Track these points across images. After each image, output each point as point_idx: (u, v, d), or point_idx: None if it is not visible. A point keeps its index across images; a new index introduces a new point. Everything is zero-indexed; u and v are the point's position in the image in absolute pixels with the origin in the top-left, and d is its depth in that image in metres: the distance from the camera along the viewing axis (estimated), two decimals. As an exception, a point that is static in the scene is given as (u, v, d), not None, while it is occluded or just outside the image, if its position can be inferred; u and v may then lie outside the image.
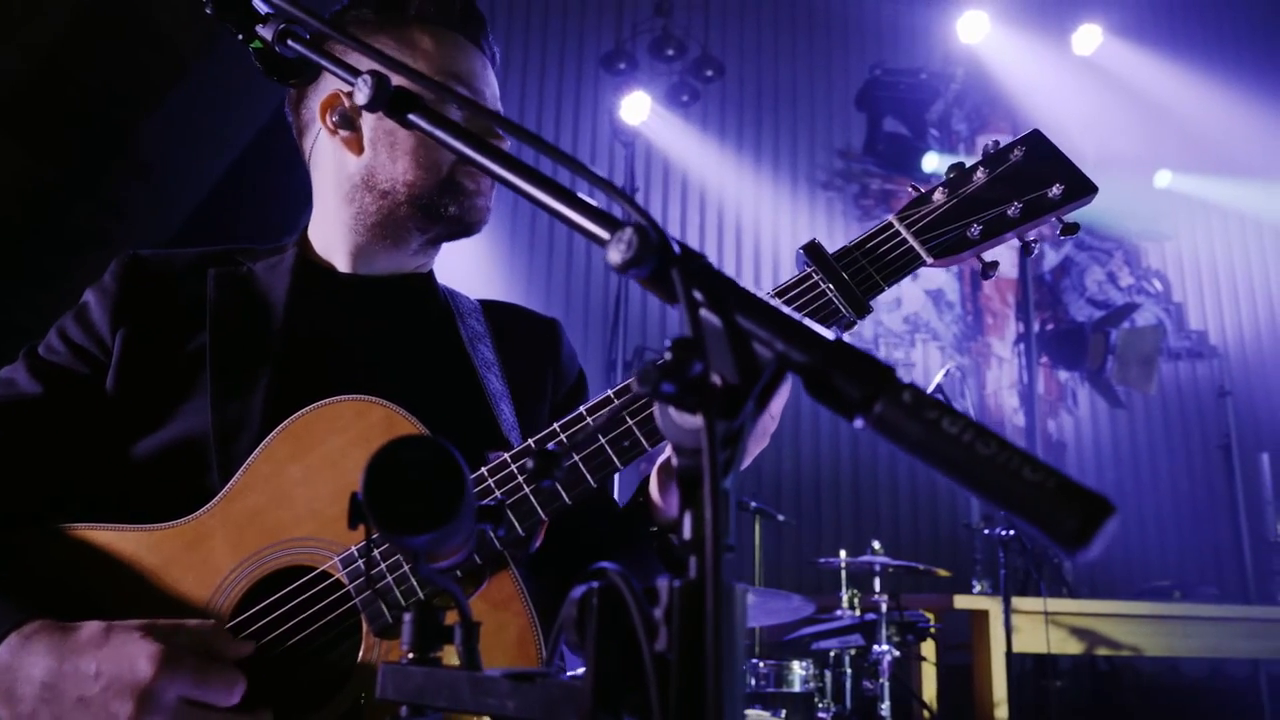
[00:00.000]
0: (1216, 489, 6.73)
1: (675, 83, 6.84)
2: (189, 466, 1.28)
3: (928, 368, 6.96)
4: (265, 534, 1.20)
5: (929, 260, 1.21)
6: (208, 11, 0.98)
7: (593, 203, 0.71)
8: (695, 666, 0.54)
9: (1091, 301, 7.42)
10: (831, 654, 4.36)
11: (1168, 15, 7.51)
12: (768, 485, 6.46)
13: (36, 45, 4.37)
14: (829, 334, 0.59)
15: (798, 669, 4.03)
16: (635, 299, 6.25)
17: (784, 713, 3.84)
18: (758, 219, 7.03)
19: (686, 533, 0.57)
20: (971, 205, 1.21)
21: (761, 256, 7.00)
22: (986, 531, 4.82)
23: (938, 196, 1.23)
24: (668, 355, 0.57)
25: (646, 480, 1.32)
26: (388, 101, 0.84)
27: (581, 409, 1.22)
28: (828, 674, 4.28)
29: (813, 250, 1.21)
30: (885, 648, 4.16)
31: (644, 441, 1.17)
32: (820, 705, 4.11)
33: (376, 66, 0.86)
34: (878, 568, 4.40)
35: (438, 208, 1.41)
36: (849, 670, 4.34)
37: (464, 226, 1.45)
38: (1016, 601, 4.50)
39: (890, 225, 1.23)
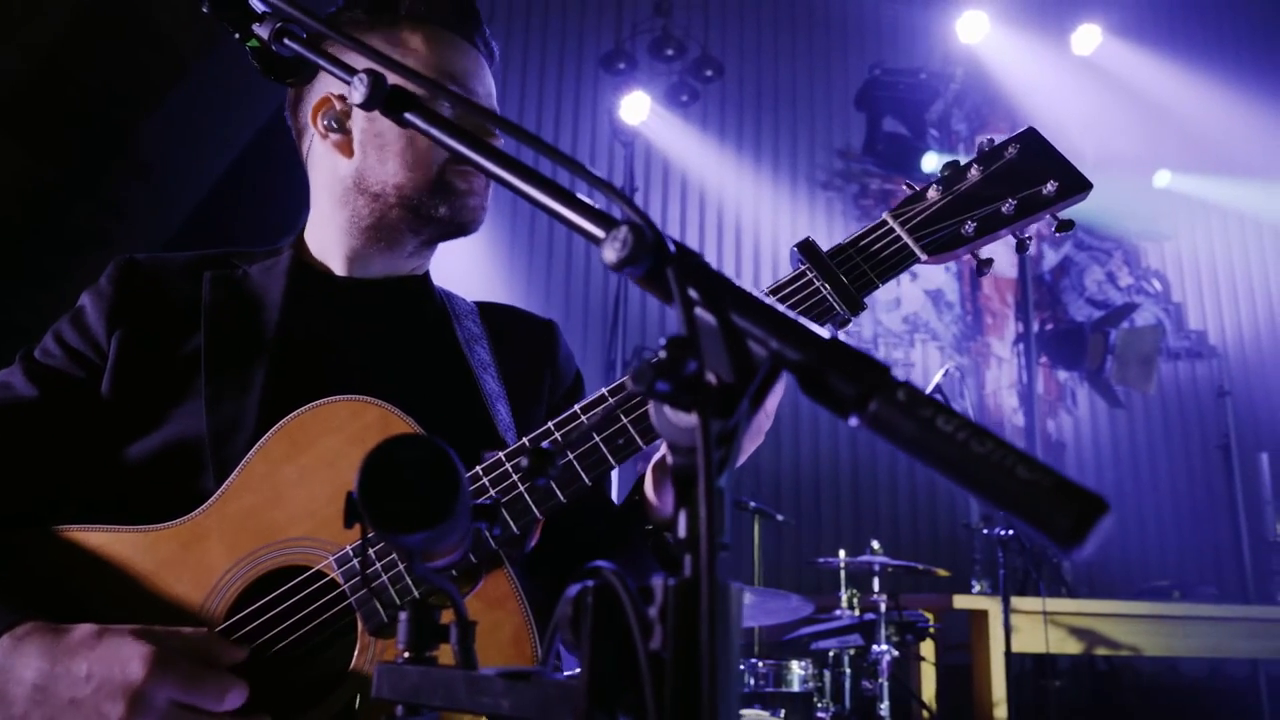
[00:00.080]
0: (1216, 489, 6.74)
1: (675, 83, 6.84)
2: (184, 469, 1.28)
3: (927, 368, 6.96)
4: (261, 534, 1.20)
5: (923, 257, 1.21)
6: (204, 10, 0.98)
7: (589, 202, 0.71)
8: (690, 665, 0.54)
9: (1091, 301, 7.42)
10: (831, 654, 4.36)
11: (1167, 15, 7.51)
12: (767, 485, 6.46)
13: (36, 45, 4.37)
14: (824, 332, 0.59)
15: (797, 669, 4.02)
16: (634, 299, 6.25)
17: (783, 712, 3.84)
18: (757, 219, 7.03)
19: (682, 531, 0.57)
20: (966, 202, 1.22)
21: (761, 257, 7.00)
22: (986, 531, 4.82)
23: (932, 194, 1.23)
24: (662, 353, 0.57)
25: (642, 478, 1.32)
26: (384, 100, 0.84)
27: (576, 407, 1.22)
28: (827, 674, 4.27)
29: (807, 248, 1.21)
30: (884, 648, 4.16)
31: (639, 439, 1.17)
32: (819, 705, 4.11)
33: (373, 65, 0.85)
34: (877, 567, 4.40)
35: (428, 209, 1.41)
36: (848, 670, 4.34)
37: (457, 227, 1.44)
38: (1016, 601, 4.50)
39: (885, 222, 1.23)
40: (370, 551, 1.17)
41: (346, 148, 1.43)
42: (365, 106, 0.84)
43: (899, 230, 1.22)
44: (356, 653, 1.16)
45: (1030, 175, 1.21)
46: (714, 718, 0.52)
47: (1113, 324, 7.37)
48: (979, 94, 7.47)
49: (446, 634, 0.74)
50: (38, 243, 4.86)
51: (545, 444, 1.18)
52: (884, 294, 7.07)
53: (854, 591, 4.49)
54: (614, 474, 1.24)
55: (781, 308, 0.62)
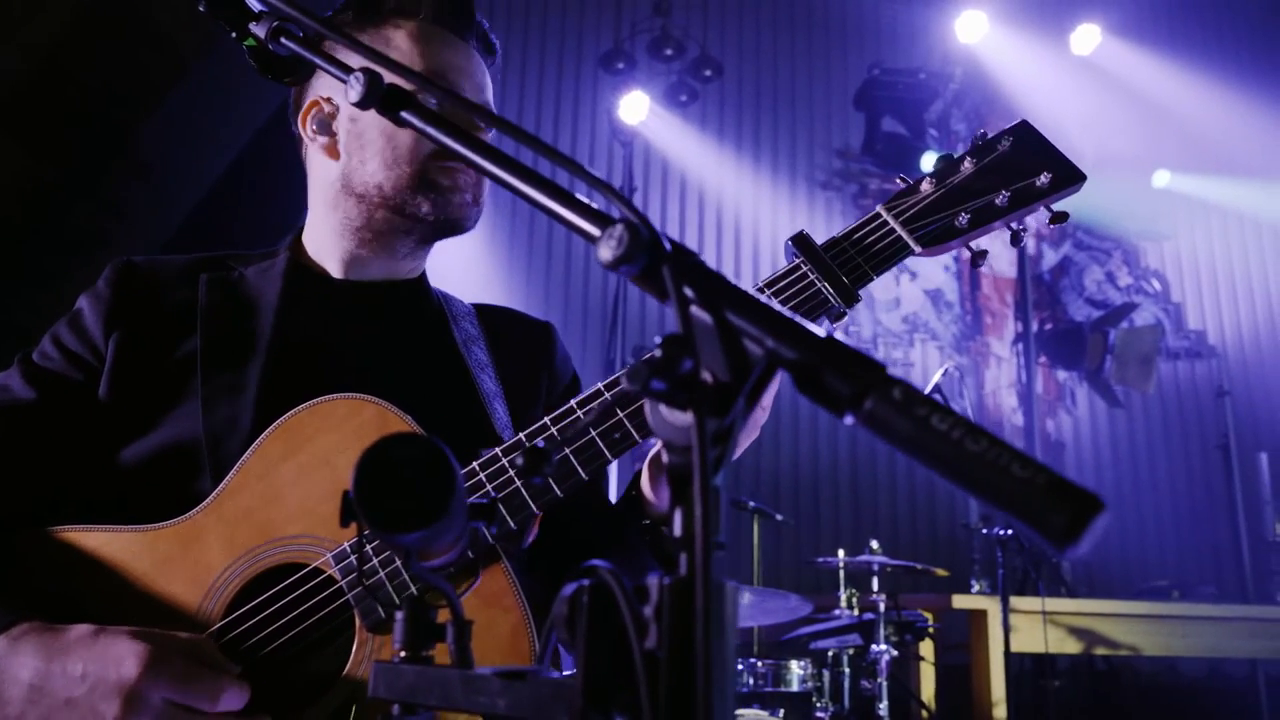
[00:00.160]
0: (1215, 489, 6.73)
1: (674, 82, 6.84)
2: (181, 470, 1.28)
3: (926, 367, 6.96)
4: (258, 532, 1.20)
5: (917, 249, 1.21)
6: (201, 9, 0.98)
7: (586, 200, 0.71)
8: (685, 664, 0.54)
9: (1090, 301, 7.42)
10: (830, 653, 4.35)
11: (1166, 15, 7.51)
12: (766, 485, 6.45)
13: (36, 45, 4.37)
14: (820, 331, 0.59)
15: (796, 668, 4.02)
16: (634, 299, 6.25)
17: (782, 712, 3.84)
18: (756, 219, 7.03)
19: (677, 530, 0.57)
20: (959, 195, 1.22)
21: (760, 257, 7.00)
22: (985, 531, 4.82)
23: (925, 187, 1.24)
24: (658, 352, 0.57)
25: (639, 474, 1.32)
26: (380, 99, 0.84)
27: (572, 402, 1.22)
28: (826, 673, 4.27)
29: (801, 241, 1.22)
30: (883, 647, 4.16)
31: (635, 434, 1.18)
32: (818, 705, 4.11)
33: (369, 64, 0.85)
34: (876, 567, 4.40)
35: (412, 207, 1.39)
36: (847, 670, 4.34)
37: (447, 225, 1.42)
38: (1015, 601, 4.50)
39: (878, 215, 1.24)
40: (368, 549, 1.17)
41: (333, 150, 1.43)
42: (362, 105, 0.84)
43: (892, 223, 1.22)
44: (354, 650, 1.16)
45: (1024, 167, 1.22)
46: (709, 716, 0.52)
47: (1112, 324, 7.37)
48: (978, 94, 7.47)
49: (443, 633, 0.74)
50: (38, 243, 4.86)
51: (541, 440, 1.19)
52: (883, 294, 7.07)
53: (853, 591, 4.48)
54: (612, 470, 1.24)
55: (777, 306, 0.62)
